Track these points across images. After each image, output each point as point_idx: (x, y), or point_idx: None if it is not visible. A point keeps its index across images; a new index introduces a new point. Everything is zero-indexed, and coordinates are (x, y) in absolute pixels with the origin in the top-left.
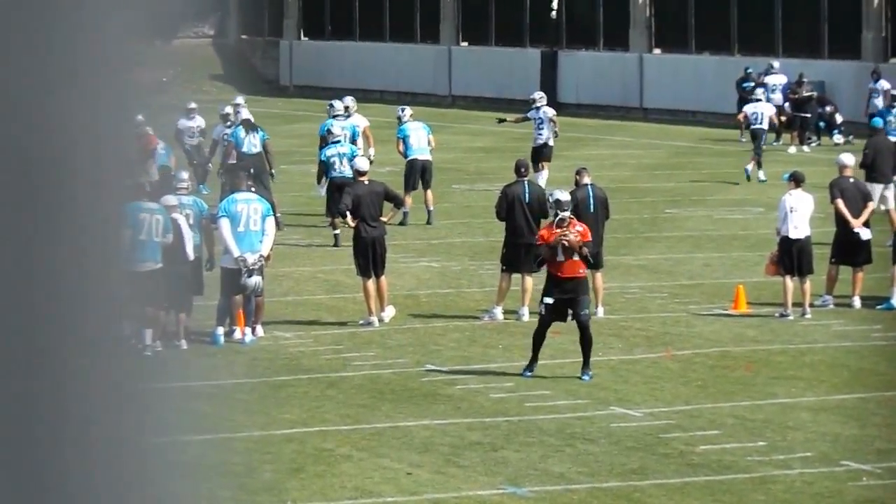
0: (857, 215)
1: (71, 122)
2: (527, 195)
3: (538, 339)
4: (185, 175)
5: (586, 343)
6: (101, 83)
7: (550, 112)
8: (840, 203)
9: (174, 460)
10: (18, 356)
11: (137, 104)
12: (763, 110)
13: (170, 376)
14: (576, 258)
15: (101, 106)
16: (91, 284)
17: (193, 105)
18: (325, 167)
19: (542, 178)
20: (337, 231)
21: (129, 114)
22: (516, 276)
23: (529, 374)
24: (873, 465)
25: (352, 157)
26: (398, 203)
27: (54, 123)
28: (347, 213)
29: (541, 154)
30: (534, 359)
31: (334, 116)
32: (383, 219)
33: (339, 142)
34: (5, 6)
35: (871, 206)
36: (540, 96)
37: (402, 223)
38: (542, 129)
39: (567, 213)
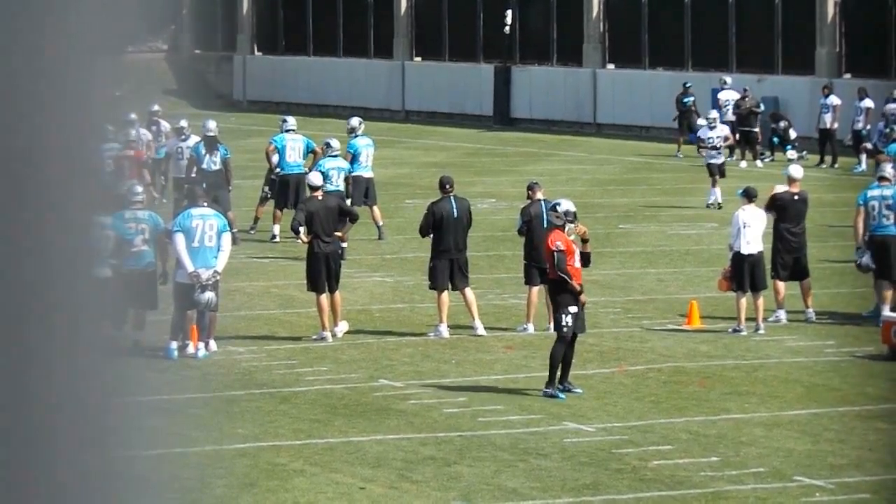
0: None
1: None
2: (455, 210)
3: (559, 354)
4: (139, 189)
5: (571, 356)
6: (69, 94)
7: (724, 130)
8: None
9: (127, 475)
10: None
11: (107, 116)
12: None
13: (122, 390)
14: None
15: (69, 117)
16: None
17: (184, 123)
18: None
19: (717, 194)
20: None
21: (96, 125)
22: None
23: (550, 392)
24: (826, 480)
25: (350, 173)
26: (353, 218)
27: (25, 131)
28: (301, 228)
29: (715, 170)
30: (553, 377)
31: (286, 131)
32: (338, 234)
33: (336, 156)
34: None
35: None
36: (713, 118)
37: (379, 238)
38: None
39: (573, 225)
